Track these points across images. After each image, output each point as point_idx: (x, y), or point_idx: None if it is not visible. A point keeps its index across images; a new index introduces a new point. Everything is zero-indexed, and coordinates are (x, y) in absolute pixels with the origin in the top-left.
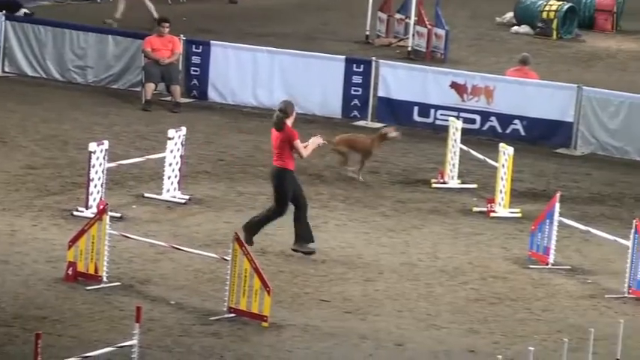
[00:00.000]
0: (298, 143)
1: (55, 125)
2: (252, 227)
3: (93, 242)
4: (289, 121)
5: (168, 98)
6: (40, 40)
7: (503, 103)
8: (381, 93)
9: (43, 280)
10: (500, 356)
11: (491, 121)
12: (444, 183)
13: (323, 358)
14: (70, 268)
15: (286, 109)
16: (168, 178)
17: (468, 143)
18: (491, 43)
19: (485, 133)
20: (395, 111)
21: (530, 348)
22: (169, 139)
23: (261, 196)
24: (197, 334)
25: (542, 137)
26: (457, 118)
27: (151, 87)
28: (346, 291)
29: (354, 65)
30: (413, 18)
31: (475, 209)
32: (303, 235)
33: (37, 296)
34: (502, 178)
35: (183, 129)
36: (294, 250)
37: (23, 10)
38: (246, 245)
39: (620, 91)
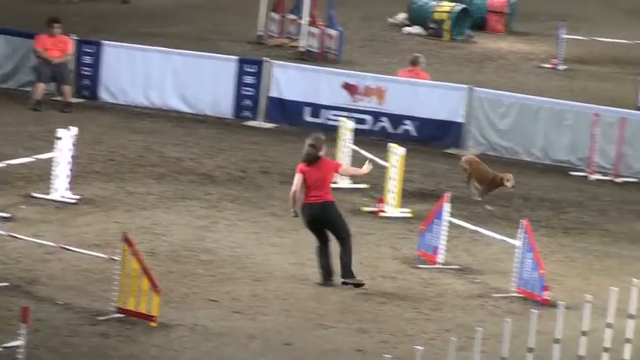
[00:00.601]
0: (347, 167)
1: None
2: (347, 271)
3: None
4: (323, 154)
5: (59, 98)
6: None
7: (395, 104)
8: (272, 93)
9: None
10: (388, 355)
11: (382, 121)
12: (334, 183)
13: (211, 358)
14: None
15: (316, 144)
16: (57, 177)
17: (360, 143)
18: (383, 44)
19: (376, 134)
20: (286, 111)
21: (418, 347)
22: (59, 138)
23: (150, 196)
24: (85, 335)
25: (433, 138)
26: (348, 118)
27: (41, 87)
28: (235, 291)
29: (246, 65)
30: (306, 18)
31: (365, 209)
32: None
33: None
34: (392, 179)
35: (74, 129)
36: (344, 282)
37: None
38: (135, 245)
39: (511, 92)
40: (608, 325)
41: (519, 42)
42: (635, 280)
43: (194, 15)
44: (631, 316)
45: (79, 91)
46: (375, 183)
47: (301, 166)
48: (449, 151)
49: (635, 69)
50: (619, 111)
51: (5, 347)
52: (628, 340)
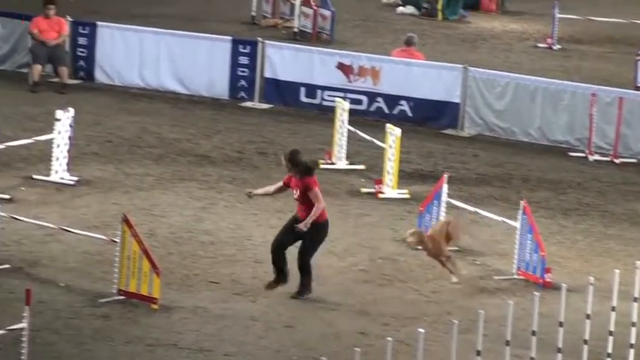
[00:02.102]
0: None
1: None
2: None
3: None
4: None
5: (56, 80)
6: None
7: (390, 84)
8: (267, 74)
9: None
10: (390, 338)
11: (378, 101)
12: (332, 164)
13: (213, 340)
14: None
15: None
16: (57, 159)
17: (356, 124)
18: (376, 24)
19: (372, 114)
20: (282, 92)
21: (421, 330)
22: (57, 120)
23: (149, 178)
24: (87, 317)
25: (429, 118)
26: (344, 99)
27: (38, 68)
28: (235, 273)
29: (241, 46)
30: None
31: (363, 190)
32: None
33: None
34: (390, 159)
35: (71, 110)
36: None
37: None
38: (135, 226)
39: (507, 72)
40: (613, 309)
41: (513, 22)
42: (638, 262)
43: None
44: (635, 300)
45: (75, 72)
46: (373, 164)
47: (316, 178)
48: (446, 131)
49: (631, 49)
50: (616, 91)
51: (9, 330)
52: (634, 324)
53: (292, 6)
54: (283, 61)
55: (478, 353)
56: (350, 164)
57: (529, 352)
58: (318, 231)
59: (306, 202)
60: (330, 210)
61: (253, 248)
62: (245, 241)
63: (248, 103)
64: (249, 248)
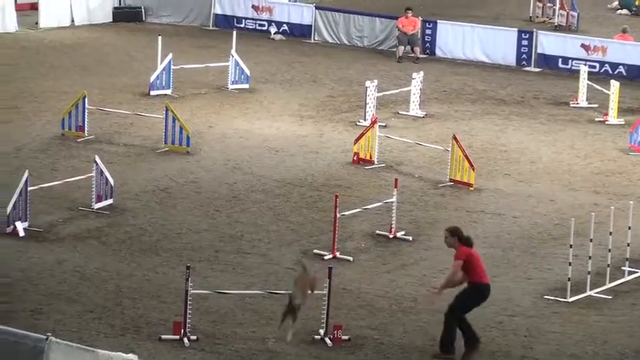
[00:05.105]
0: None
1: (343, 72)
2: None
3: (368, 140)
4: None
5: (412, 55)
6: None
7: (612, 56)
8: (539, 50)
9: (339, 163)
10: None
11: (605, 67)
12: (577, 104)
13: (507, 208)
14: (355, 156)
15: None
16: (413, 102)
17: (591, 80)
18: (604, 19)
19: (602, 74)
20: (549, 61)
21: None
22: (413, 79)
23: (468, 112)
24: (431, 194)
25: (637, 76)
26: (584, 65)
27: (401, 49)
28: (518, 169)
29: (523, 34)
30: (557, 5)
31: (596, 119)
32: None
33: (336, 172)
34: (612, 101)
35: (421, 72)
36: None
37: None
38: (460, 141)
39: None
40: None
41: None
42: None
43: (486, 2)
44: None
45: (424, 51)
46: (602, 105)
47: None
48: None
49: None
50: None
51: (384, 202)
52: None
53: (554, 9)
54: (549, 43)
55: None
56: (589, 104)
57: None
58: (473, 292)
59: (464, 269)
60: (576, 132)
61: (531, 154)
62: (525, 150)
63: (527, 68)
64: (525, 153)
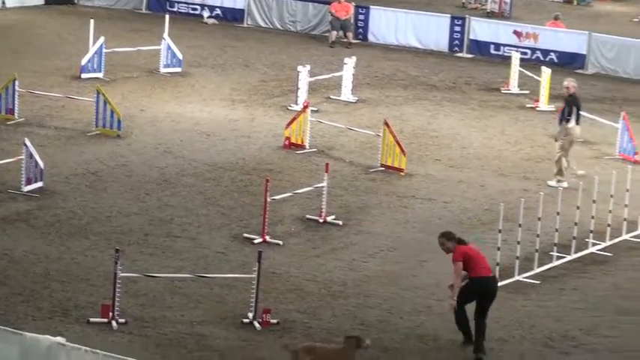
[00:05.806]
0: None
1: (276, 56)
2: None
3: (299, 125)
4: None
5: (344, 40)
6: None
7: (544, 43)
8: (471, 37)
9: (270, 147)
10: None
11: (537, 54)
12: (509, 90)
13: (450, 195)
14: (287, 141)
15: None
16: (345, 86)
17: (523, 66)
18: (537, 6)
19: (533, 61)
20: (480, 47)
21: None
22: (345, 64)
23: (399, 98)
24: (362, 179)
25: (566, 63)
26: (516, 52)
27: (334, 34)
28: (448, 155)
29: (456, 20)
30: None
31: (528, 105)
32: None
33: (267, 157)
34: (543, 87)
35: (354, 58)
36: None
37: None
38: (391, 126)
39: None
40: None
41: (621, 6)
42: None
43: None
44: None
45: (356, 36)
46: (534, 91)
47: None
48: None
49: None
50: None
51: (314, 187)
52: None
53: None
54: (481, 29)
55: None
56: (520, 90)
57: None
58: (470, 285)
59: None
60: (507, 118)
61: (462, 139)
62: (457, 136)
63: (459, 54)
64: (457, 138)
